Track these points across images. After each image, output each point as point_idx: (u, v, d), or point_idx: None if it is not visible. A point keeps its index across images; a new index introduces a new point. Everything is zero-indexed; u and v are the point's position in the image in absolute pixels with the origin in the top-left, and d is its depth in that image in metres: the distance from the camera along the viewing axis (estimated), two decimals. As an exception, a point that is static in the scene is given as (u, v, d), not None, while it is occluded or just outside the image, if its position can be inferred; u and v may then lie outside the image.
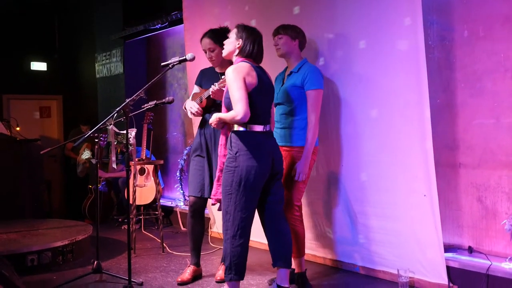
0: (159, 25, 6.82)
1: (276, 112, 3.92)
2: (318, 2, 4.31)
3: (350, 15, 4.10)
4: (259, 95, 3.38)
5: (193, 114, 4.02)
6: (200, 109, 3.98)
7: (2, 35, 8.77)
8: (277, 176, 3.49)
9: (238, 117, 3.23)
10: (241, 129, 3.38)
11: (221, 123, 3.44)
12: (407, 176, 3.80)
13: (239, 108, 3.23)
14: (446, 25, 3.99)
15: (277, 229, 3.52)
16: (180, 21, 6.19)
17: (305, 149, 3.73)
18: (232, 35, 3.50)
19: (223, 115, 3.38)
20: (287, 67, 3.99)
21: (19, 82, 9.14)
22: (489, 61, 3.75)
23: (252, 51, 3.44)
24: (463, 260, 3.75)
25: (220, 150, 3.54)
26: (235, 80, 3.28)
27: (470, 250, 3.85)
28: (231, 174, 3.34)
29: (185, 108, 4.09)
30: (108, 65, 8.26)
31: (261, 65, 3.55)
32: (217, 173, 3.54)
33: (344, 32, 4.14)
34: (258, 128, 3.39)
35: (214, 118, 3.43)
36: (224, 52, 3.56)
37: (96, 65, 8.67)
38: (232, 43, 3.49)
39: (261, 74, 3.44)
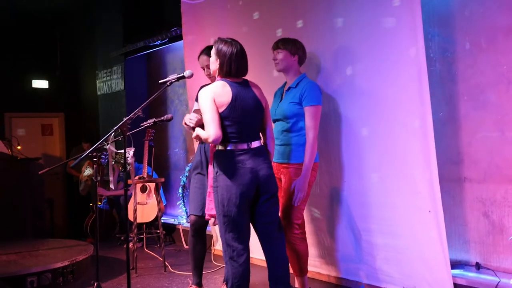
0: (159, 41, 6.79)
1: (275, 128, 3.85)
2: (319, 16, 4.26)
3: (349, 28, 4.04)
4: (236, 112, 3.27)
5: (194, 126, 3.88)
6: (200, 118, 3.85)
7: (4, 53, 8.77)
8: (265, 196, 3.35)
9: (210, 139, 3.21)
10: (221, 148, 3.32)
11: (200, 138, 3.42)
12: (411, 192, 3.72)
13: (210, 130, 3.21)
14: (447, 37, 3.93)
15: (271, 251, 3.42)
16: (180, 37, 6.15)
17: (304, 167, 3.64)
18: (212, 54, 3.41)
19: (200, 131, 3.35)
20: (286, 82, 3.93)
21: (21, 100, 9.13)
22: (492, 73, 3.69)
23: (230, 70, 3.32)
24: (471, 277, 3.67)
25: (210, 168, 3.48)
26: (204, 102, 3.25)
27: (478, 267, 3.76)
28: (216, 194, 3.30)
29: (185, 124, 3.97)
30: (109, 82, 8.24)
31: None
32: (209, 189, 3.47)
33: (344, 46, 4.09)
34: (241, 146, 3.31)
35: (195, 133, 3.42)
36: (212, 73, 3.50)
37: (97, 82, 8.65)
38: (213, 63, 3.41)
39: (240, 90, 3.32)
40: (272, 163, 3.75)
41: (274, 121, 3.85)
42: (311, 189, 3.79)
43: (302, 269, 3.79)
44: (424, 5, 3.63)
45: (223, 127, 3.25)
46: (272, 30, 4.58)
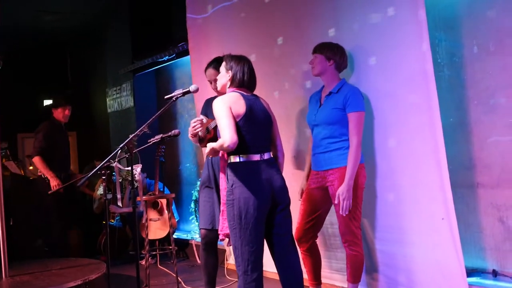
0: (167, 57, 6.82)
1: (317, 135, 3.79)
2: (322, 22, 4.24)
3: (356, 36, 4.01)
4: (250, 123, 3.28)
5: (201, 129, 3.76)
6: (203, 123, 3.80)
7: (14, 74, 8.85)
8: (279, 206, 3.34)
9: (226, 144, 3.13)
10: (236, 160, 3.29)
11: (216, 152, 3.35)
12: (423, 199, 3.66)
13: (226, 135, 3.14)
14: (454, 41, 3.89)
15: (287, 262, 3.38)
16: (187, 52, 6.15)
17: (347, 174, 3.57)
18: (222, 68, 3.44)
19: (214, 144, 3.27)
20: (323, 87, 3.88)
21: (32, 120, 9.17)
22: (501, 76, 3.64)
23: (243, 79, 3.36)
24: (488, 284, 3.60)
25: (221, 183, 3.45)
26: (221, 109, 3.22)
27: (495, 274, 3.68)
28: (231, 207, 3.25)
29: (192, 136, 3.89)
30: (119, 99, 8.27)
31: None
32: (221, 207, 3.43)
33: (352, 52, 4.06)
34: (255, 157, 3.29)
35: (208, 148, 3.34)
36: (218, 87, 3.51)
37: (107, 99, 8.69)
38: (224, 76, 3.43)
39: (252, 102, 3.35)
40: (313, 172, 3.80)
41: (313, 126, 3.82)
42: (363, 191, 3.70)
43: (360, 275, 3.78)
44: (430, 10, 3.59)
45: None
46: (274, 40, 4.56)
